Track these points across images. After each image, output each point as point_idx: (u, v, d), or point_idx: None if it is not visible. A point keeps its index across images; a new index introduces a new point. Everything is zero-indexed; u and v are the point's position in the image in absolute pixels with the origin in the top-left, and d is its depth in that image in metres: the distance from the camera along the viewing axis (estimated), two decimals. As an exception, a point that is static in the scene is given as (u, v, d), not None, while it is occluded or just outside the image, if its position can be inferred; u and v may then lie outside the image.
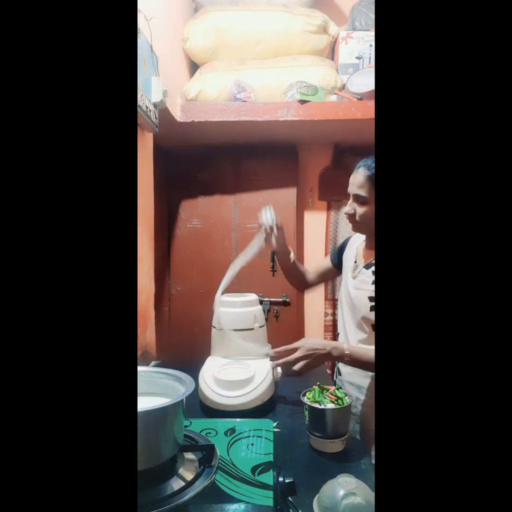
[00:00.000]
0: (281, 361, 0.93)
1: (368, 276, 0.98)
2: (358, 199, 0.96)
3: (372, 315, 0.96)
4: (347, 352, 0.89)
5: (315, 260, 2.06)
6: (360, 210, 0.97)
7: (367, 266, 1.01)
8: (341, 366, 1.08)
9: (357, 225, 1.00)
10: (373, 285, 0.95)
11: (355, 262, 1.07)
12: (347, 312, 1.05)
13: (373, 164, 0.93)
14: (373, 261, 0.99)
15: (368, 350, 0.91)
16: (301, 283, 1.29)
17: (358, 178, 0.95)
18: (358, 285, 1.00)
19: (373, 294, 0.95)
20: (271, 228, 1.11)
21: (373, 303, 0.95)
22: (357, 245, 1.11)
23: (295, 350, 0.91)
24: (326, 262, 1.26)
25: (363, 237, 1.08)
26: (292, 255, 1.22)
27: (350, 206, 0.99)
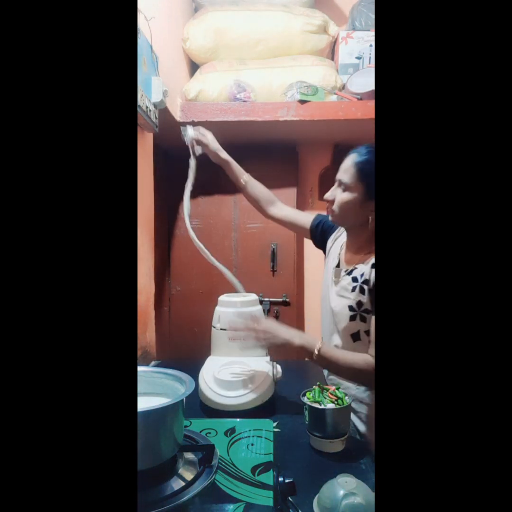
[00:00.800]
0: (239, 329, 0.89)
1: (348, 283, 0.93)
2: (341, 184, 0.92)
3: (352, 325, 0.92)
4: (316, 350, 0.83)
5: (315, 259, 2.06)
6: (339, 196, 0.92)
7: (349, 272, 0.95)
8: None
9: (334, 214, 0.95)
10: (353, 293, 0.91)
11: (338, 265, 1.01)
12: (327, 317, 1.01)
13: (365, 151, 0.89)
14: (355, 267, 0.94)
15: (344, 353, 0.87)
16: (259, 209, 1.21)
17: (346, 163, 0.91)
18: (339, 291, 0.95)
19: (353, 303, 0.91)
20: (197, 140, 1.10)
21: (353, 313, 0.91)
22: (342, 244, 1.04)
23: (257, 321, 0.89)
24: (305, 220, 1.16)
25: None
26: (245, 177, 1.15)
27: (331, 192, 0.94)
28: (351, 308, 0.92)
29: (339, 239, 1.07)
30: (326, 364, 0.88)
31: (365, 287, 0.89)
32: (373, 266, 0.89)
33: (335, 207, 0.93)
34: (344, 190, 0.91)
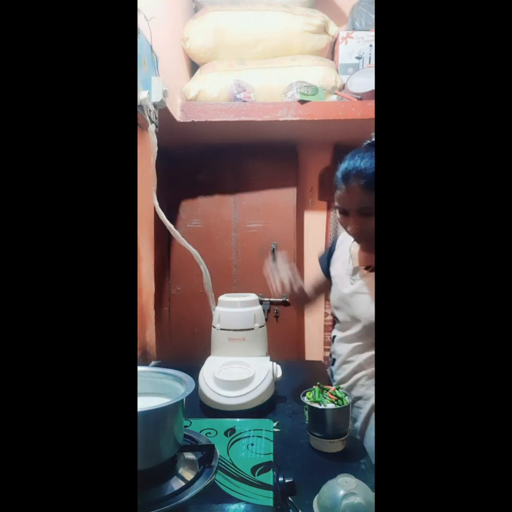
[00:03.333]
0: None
1: (372, 280, 0.94)
2: (363, 212, 0.86)
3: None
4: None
5: (315, 259, 2.05)
6: (369, 224, 0.86)
7: (371, 269, 0.96)
8: (334, 369, 1.08)
9: (364, 237, 0.92)
10: None
11: (352, 265, 1.01)
12: (345, 313, 1.01)
13: (365, 167, 0.83)
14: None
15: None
16: (306, 304, 1.27)
17: (355, 192, 0.85)
18: (360, 289, 0.96)
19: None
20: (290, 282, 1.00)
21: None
22: (349, 246, 1.04)
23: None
24: (320, 276, 1.18)
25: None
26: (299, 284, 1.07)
27: (354, 224, 0.88)
28: None
29: (342, 244, 1.08)
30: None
31: None
32: None
33: (367, 236, 0.89)
34: (368, 215, 0.86)
